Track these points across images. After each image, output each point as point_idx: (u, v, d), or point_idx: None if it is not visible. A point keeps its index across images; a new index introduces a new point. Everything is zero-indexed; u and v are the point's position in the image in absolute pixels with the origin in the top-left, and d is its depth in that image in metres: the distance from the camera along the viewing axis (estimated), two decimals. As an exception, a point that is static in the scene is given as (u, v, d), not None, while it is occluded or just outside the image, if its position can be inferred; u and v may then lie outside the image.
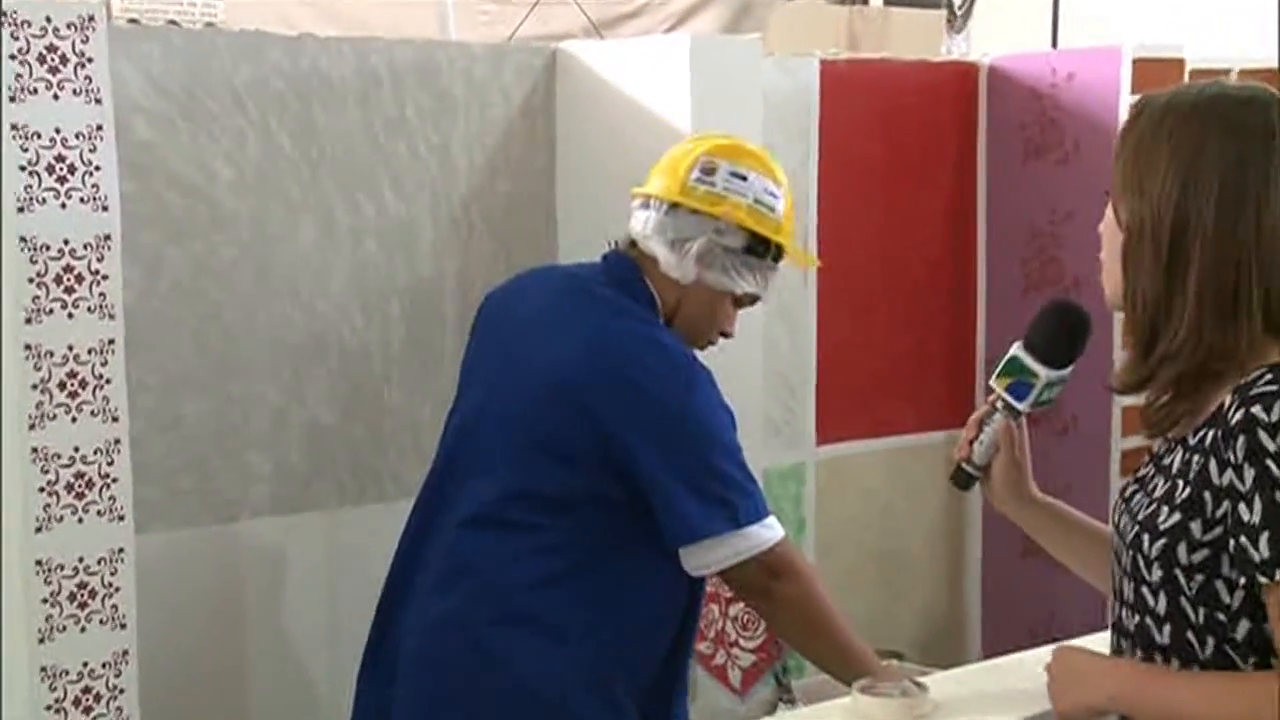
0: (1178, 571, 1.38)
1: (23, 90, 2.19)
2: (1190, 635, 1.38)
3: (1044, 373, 1.59)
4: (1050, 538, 1.68)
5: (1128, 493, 1.48)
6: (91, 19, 2.25)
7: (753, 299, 1.97)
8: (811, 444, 3.49)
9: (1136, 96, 1.93)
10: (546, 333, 1.92)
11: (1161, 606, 1.40)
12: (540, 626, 1.86)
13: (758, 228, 1.91)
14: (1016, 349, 1.62)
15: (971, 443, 1.65)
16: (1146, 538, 1.40)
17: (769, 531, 1.86)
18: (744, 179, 1.92)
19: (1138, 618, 1.43)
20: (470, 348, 2.12)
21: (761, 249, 1.92)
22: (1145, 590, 1.41)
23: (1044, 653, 1.55)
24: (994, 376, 1.64)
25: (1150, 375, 1.42)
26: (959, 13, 4.88)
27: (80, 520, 2.28)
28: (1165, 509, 1.39)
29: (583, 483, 1.85)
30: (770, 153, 2.06)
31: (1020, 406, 1.61)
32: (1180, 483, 1.38)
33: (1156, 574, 1.39)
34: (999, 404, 1.63)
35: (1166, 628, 1.40)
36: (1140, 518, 1.42)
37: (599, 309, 1.91)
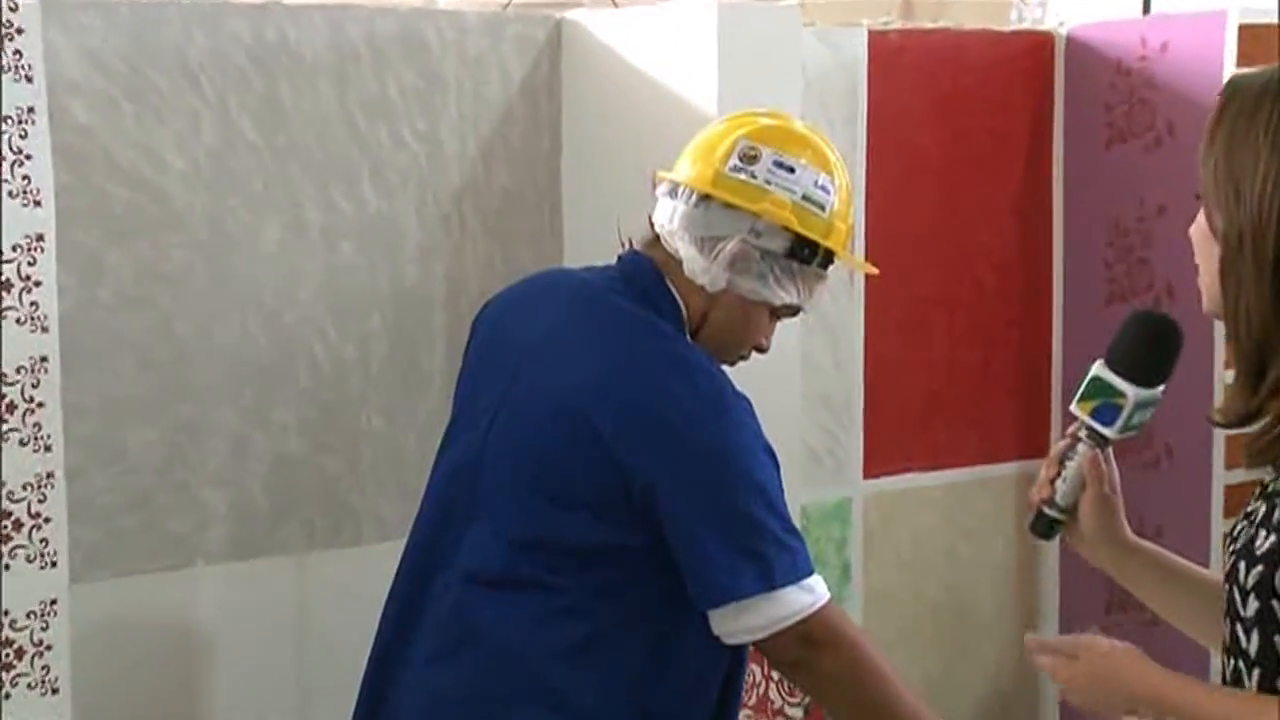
0: (1275, 603, 1.37)
1: (-59, 67, 2.19)
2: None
3: (1132, 392, 1.58)
4: (1147, 588, 1.67)
5: (1236, 531, 1.47)
6: (22, -16, 2.25)
7: (793, 310, 1.94)
8: (858, 477, 3.47)
9: (1242, 71, 1.90)
10: (559, 356, 1.88)
11: (1253, 647, 1.39)
12: (565, 704, 1.82)
13: (804, 229, 1.86)
14: (1099, 368, 1.61)
15: (1053, 481, 1.65)
16: (1243, 565, 1.40)
17: (808, 595, 1.82)
18: (791, 171, 1.88)
19: (1232, 662, 1.42)
20: (466, 368, 2.09)
21: (807, 253, 1.87)
22: (1240, 629, 1.41)
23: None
24: (1075, 401, 1.64)
25: (1260, 408, 1.40)
26: (1031, -25, 4.88)
27: (6, 567, 2.27)
28: (1264, 532, 1.38)
29: (604, 533, 1.81)
30: (823, 136, 2.02)
31: (1108, 433, 1.61)
32: None
33: (1252, 607, 1.39)
34: (1082, 433, 1.63)
35: (1255, 672, 1.39)
36: (1239, 545, 1.41)
37: (618, 326, 1.87)
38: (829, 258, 1.90)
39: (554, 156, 3.12)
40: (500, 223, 3.10)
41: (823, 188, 1.90)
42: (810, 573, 1.83)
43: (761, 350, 1.97)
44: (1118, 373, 1.60)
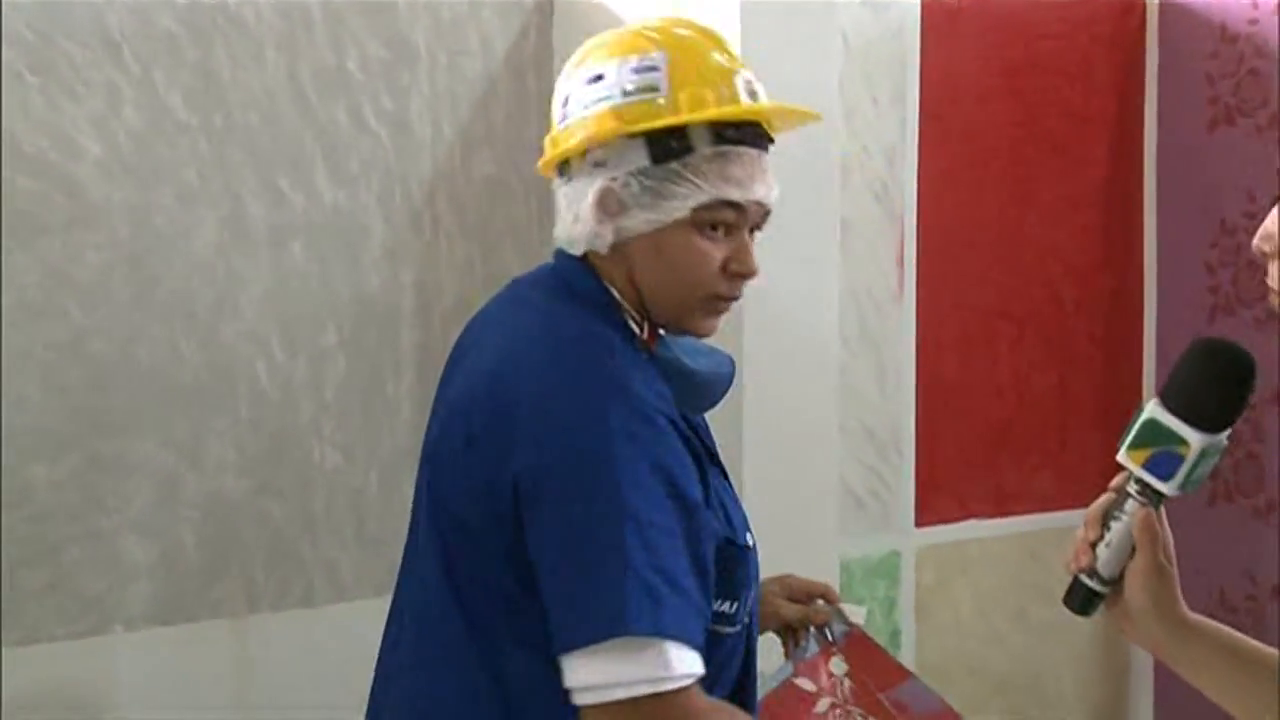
0: None
1: None
2: None
3: (1196, 439, 1.54)
4: (1210, 675, 1.61)
5: None
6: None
7: (730, 207, 1.90)
8: (910, 525, 3.46)
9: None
10: (463, 365, 1.97)
11: None
12: None
13: (643, 124, 1.87)
14: (1153, 408, 1.58)
15: (1094, 545, 1.61)
16: None
17: (657, 666, 1.74)
18: (600, 78, 1.91)
19: None
20: (437, 399, 2.11)
21: (673, 145, 1.87)
22: None
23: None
24: (1124, 449, 1.60)
25: None
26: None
27: (-114, 632, 2.25)
28: None
29: (499, 568, 1.83)
30: (647, 19, 2.01)
31: (1165, 489, 1.57)
32: None
33: None
34: (1132, 487, 1.60)
35: None
36: None
37: (516, 325, 1.92)
38: (722, 132, 1.88)
39: (543, 141, 3.11)
40: (480, 219, 3.09)
41: (643, 69, 1.90)
42: (686, 638, 1.76)
43: (744, 276, 1.93)
44: (1178, 415, 1.56)
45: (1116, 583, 1.60)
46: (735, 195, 1.88)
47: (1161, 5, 3.68)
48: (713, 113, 1.87)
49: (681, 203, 1.87)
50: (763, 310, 2.78)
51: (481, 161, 3.09)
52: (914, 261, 3.43)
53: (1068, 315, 3.68)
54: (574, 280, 1.93)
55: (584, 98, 1.90)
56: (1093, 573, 1.61)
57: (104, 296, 2.77)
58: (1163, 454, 1.55)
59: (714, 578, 1.83)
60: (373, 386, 3.01)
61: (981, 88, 3.51)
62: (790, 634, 2.18)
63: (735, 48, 1.98)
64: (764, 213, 1.92)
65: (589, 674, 1.74)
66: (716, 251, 1.90)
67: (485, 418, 1.82)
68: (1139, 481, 1.59)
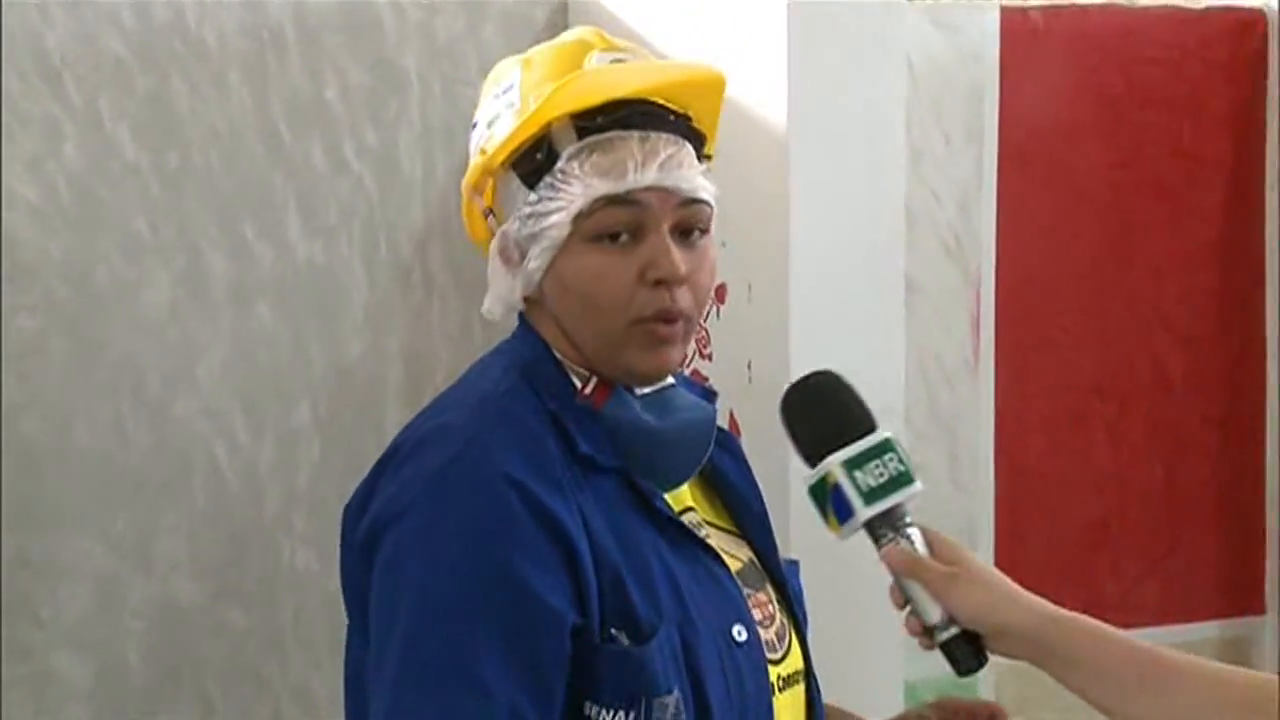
0: None
1: None
2: None
3: (826, 465, 1.76)
4: (1083, 661, 1.80)
5: None
6: None
7: (615, 203, 1.84)
8: (990, 640, 3.44)
9: None
10: None
11: None
12: None
13: (505, 143, 1.86)
14: (807, 479, 1.80)
15: (909, 610, 1.77)
16: None
17: None
18: (476, 125, 1.95)
19: None
20: None
21: (535, 155, 1.86)
22: None
23: None
24: (830, 528, 1.80)
25: None
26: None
27: None
28: None
29: None
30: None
31: (865, 515, 1.75)
32: None
33: None
34: (877, 544, 1.78)
35: None
36: None
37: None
38: (582, 122, 1.85)
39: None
40: (479, 276, 2.95)
41: (502, 93, 1.92)
42: None
43: (663, 281, 1.90)
44: (811, 464, 1.77)
45: (953, 620, 1.77)
46: (608, 188, 1.83)
47: (1286, 24, 3.68)
48: (555, 98, 1.83)
49: (561, 216, 1.84)
50: (813, 385, 2.76)
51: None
52: (992, 328, 3.41)
53: (1177, 393, 3.65)
54: (510, 342, 1.96)
55: (472, 153, 1.92)
56: (930, 629, 1.76)
57: (37, 366, 2.77)
58: (832, 500, 1.76)
59: (570, 672, 1.79)
60: (352, 473, 2.87)
61: (1072, 123, 3.49)
62: None
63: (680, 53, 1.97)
64: (679, 201, 1.86)
65: None
66: (621, 264, 1.85)
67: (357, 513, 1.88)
68: (869, 533, 1.78)
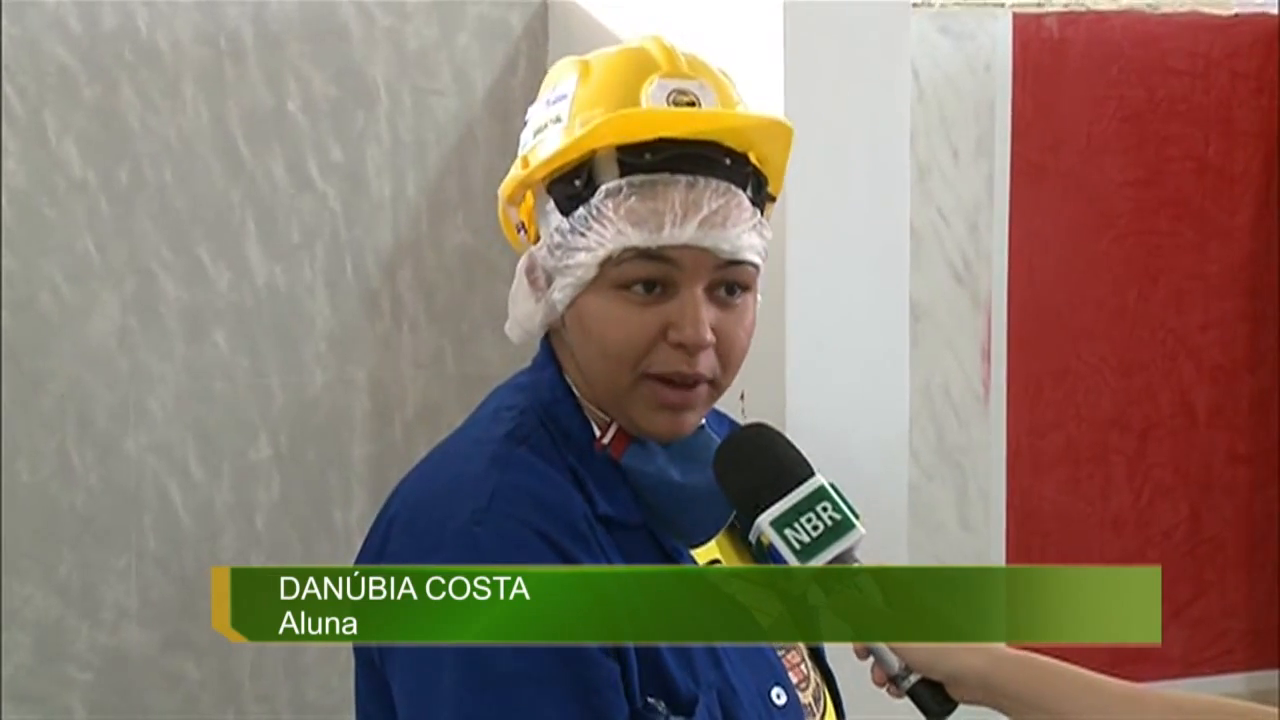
0: None
1: None
2: None
3: (763, 521, 1.77)
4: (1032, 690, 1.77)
5: None
6: None
7: (646, 258, 1.82)
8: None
9: None
10: None
11: None
12: None
13: (548, 163, 1.83)
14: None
15: (873, 660, 1.78)
16: None
17: None
18: (525, 124, 1.92)
19: None
20: None
21: (575, 184, 1.82)
22: None
23: None
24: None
25: None
26: (1256, -62, 4.98)
27: None
28: None
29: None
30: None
31: (797, 563, 1.77)
32: None
33: None
34: (832, 593, 1.80)
35: None
36: None
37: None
38: (626, 158, 1.80)
39: (537, 202, 3.14)
40: (452, 301, 3.10)
41: (554, 100, 1.88)
42: None
43: (684, 345, 1.87)
44: (746, 522, 1.78)
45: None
46: (641, 240, 1.78)
47: (1315, 35, 3.66)
48: (602, 129, 1.79)
49: (589, 257, 1.80)
50: (814, 418, 2.78)
51: (454, 229, 3.10)
52: (1004, 356, 3.41)
53: (1202, 428, 3.63)
54: (530, 374, 1.93)
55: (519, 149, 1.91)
56: (898, 677, 1.77)
57: (-27, 398, 2.78)
58: (771, 560, 1.79)
59: None
60: (315, 513, 3.03)
61: (1090, 136, 3.48)
62: None
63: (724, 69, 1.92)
64: (719, 264, 1.81)
65: None
66: (644, 316, 1.81)
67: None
68: (818, 585, 1.80)
